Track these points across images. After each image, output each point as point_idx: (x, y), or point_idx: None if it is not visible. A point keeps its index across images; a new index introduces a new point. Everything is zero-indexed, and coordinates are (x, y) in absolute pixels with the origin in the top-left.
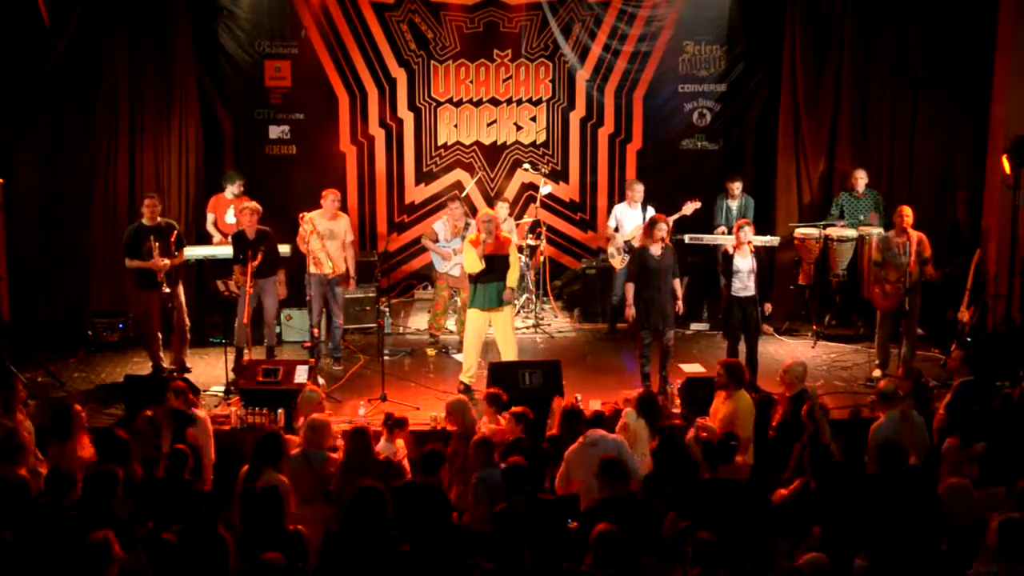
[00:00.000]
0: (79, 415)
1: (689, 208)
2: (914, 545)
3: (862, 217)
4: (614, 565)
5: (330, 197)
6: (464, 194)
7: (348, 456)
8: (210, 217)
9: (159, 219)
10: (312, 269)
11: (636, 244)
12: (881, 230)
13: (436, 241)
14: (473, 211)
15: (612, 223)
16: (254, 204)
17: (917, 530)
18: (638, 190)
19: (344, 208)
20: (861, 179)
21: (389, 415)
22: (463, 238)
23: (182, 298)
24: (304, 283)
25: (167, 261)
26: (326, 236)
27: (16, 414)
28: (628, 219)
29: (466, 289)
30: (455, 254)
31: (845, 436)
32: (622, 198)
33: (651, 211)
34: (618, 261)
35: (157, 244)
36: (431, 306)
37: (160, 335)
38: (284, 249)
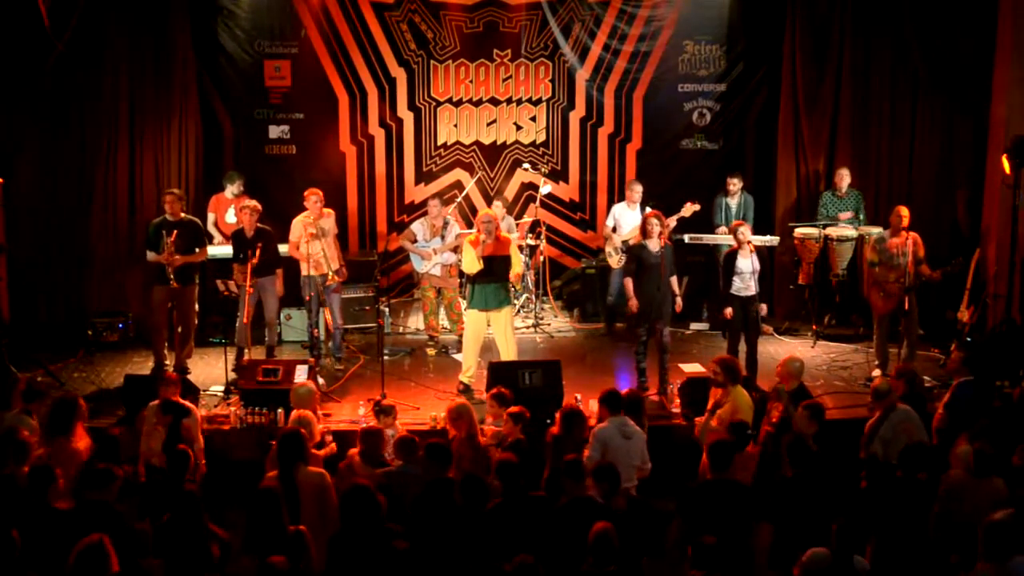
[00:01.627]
0: (80, 408)
1: (688, 210)
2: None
3: (860, 216)
4: (613, 563)
5: (312, 198)
6: (464, 194)
7: (362, 456)
8: (210, 217)
9: (182, 215)
10: (312, 272)
11: (633, 243)
12: (880, 230)
13: (414, 242)
14: (472, 211)
15: (610, 223)
16: (254, 203)
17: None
18: (637, 190)
19: (344, 208)
20: (844, 178)
21: (377, 402)
22: (442, 237)
23: (193, 299)
24: (301, 284)
25: (179, 257)
26: (319, 235)
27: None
28: (626, 219)
29: (449, 288)
30: (435, 254)
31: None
32: (622, 198)
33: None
34: (615, 260)
35: (170, 240)
36: (422, 308)
37: (166, 332)
38: (283, 248)
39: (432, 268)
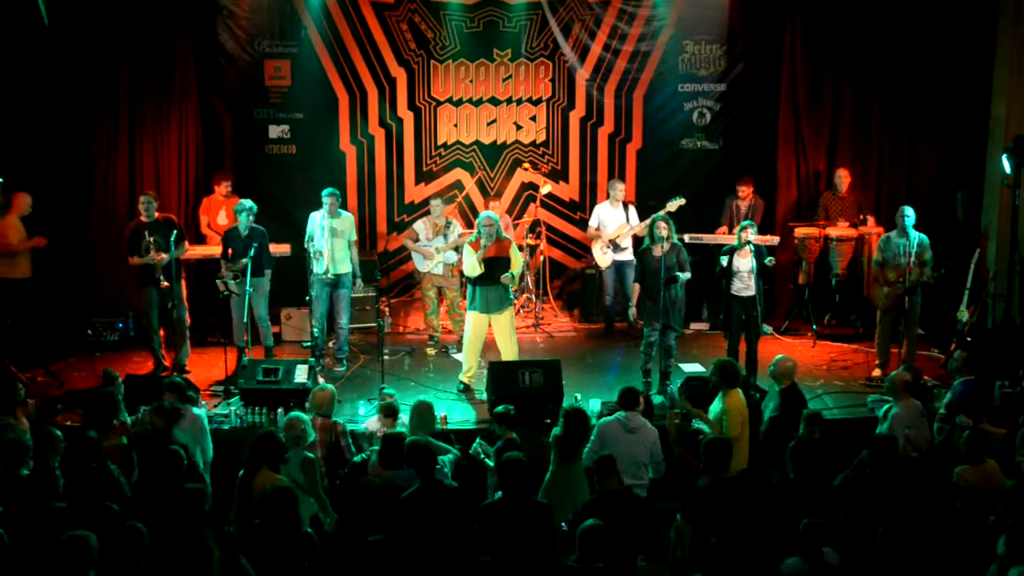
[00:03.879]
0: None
1: (673, 205)
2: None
3: (863, 217)
4: (600, 560)
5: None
6: (463, 193)
7: (380, 458)
8: (203, 220)
9: (156, 215)
10: (317, 269)
11: (620, 243)
12: (881, 229)
13: (417, 240)
14: (473, 211)
15: (594, 223)
16: (249, 202)
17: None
18: (619, 189)
19: (344, 208)
20: (844, 179)
21: (384, 397)
22: (445, 237)
23: (183, 297)
24: (308, 283)
25: (163, 255)
26: (332, 234)
27: (16, 414)
28: (611, 218)
29: (451, 288)
30: (438, 252)
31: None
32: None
33: (632, 210)
34: (604, 260)
35: (153, 240)
36: (422, 307)
37: (162, 332)
38: (283, 249)
39: (435, 267)
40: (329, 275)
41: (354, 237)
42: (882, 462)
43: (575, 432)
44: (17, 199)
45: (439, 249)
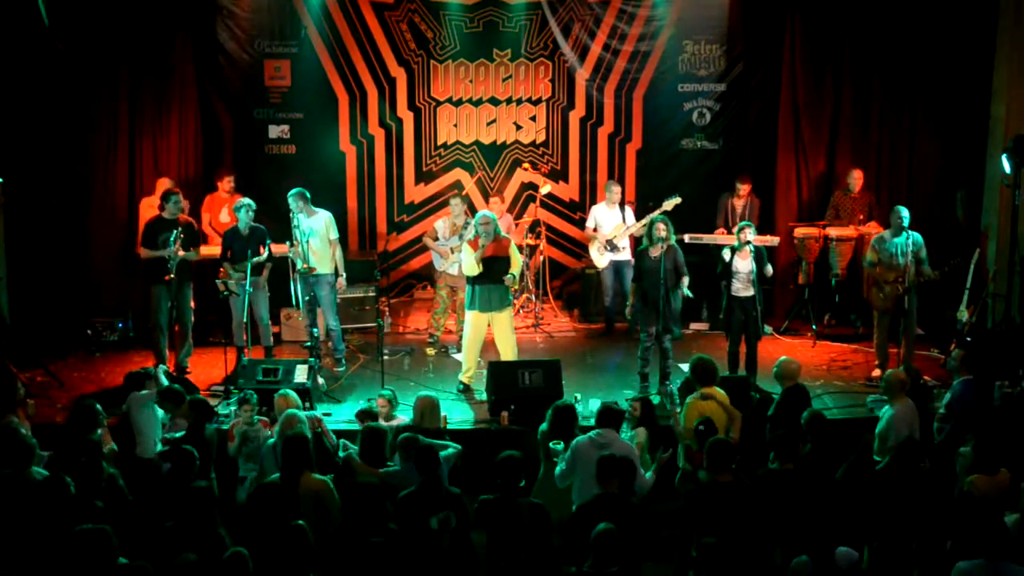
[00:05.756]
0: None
1: (670, 204)
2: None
3: (862, 217)
4: (615, 564)
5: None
6: (463, 193)
7: (362, 456)
8: (205, 217)
9: (180, 215)
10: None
11: (617, 243)
12: (881, 229)
13: (436, 239)
14: (473, 211)
15: (591, 223)
16: (249, 200)
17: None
18: (615, 191)
19: (344, 208)
20: (858, 180)
21: (363, 411)
22: (461, 237)
23: (189, 297)
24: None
25: (179, 251)
26: (307, 233)
27: (17, 413)
28: (607, 219)
29: (462, 288)
30: (452, 252)
31: None
32: (621, 198)
33: (628, 211)
34: (600, 261)
35: (174, 237)
36: (431, 305)
37: (166, 332)
38: (282, 249)
39: (450, 267)
40: (301, 270)
41: (335, 235)
42: (907, 465)
43: (560, 427)
44: (159, 183)
45: (453, 249)
